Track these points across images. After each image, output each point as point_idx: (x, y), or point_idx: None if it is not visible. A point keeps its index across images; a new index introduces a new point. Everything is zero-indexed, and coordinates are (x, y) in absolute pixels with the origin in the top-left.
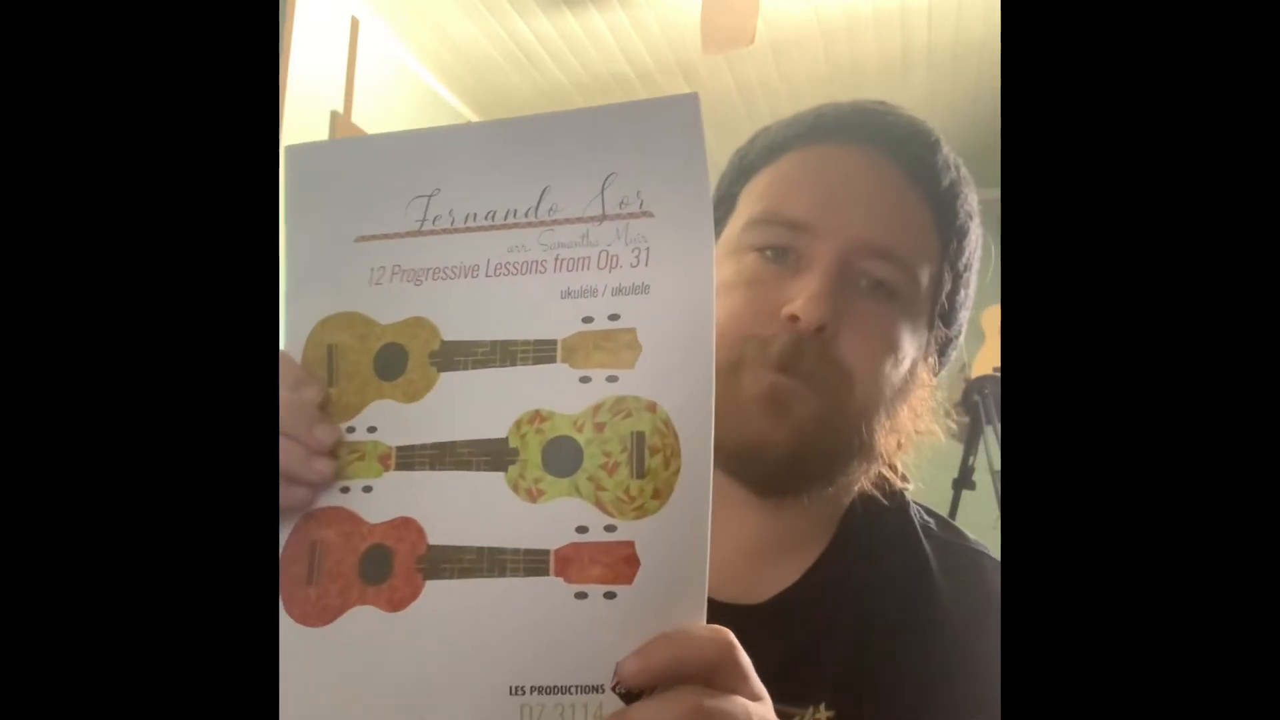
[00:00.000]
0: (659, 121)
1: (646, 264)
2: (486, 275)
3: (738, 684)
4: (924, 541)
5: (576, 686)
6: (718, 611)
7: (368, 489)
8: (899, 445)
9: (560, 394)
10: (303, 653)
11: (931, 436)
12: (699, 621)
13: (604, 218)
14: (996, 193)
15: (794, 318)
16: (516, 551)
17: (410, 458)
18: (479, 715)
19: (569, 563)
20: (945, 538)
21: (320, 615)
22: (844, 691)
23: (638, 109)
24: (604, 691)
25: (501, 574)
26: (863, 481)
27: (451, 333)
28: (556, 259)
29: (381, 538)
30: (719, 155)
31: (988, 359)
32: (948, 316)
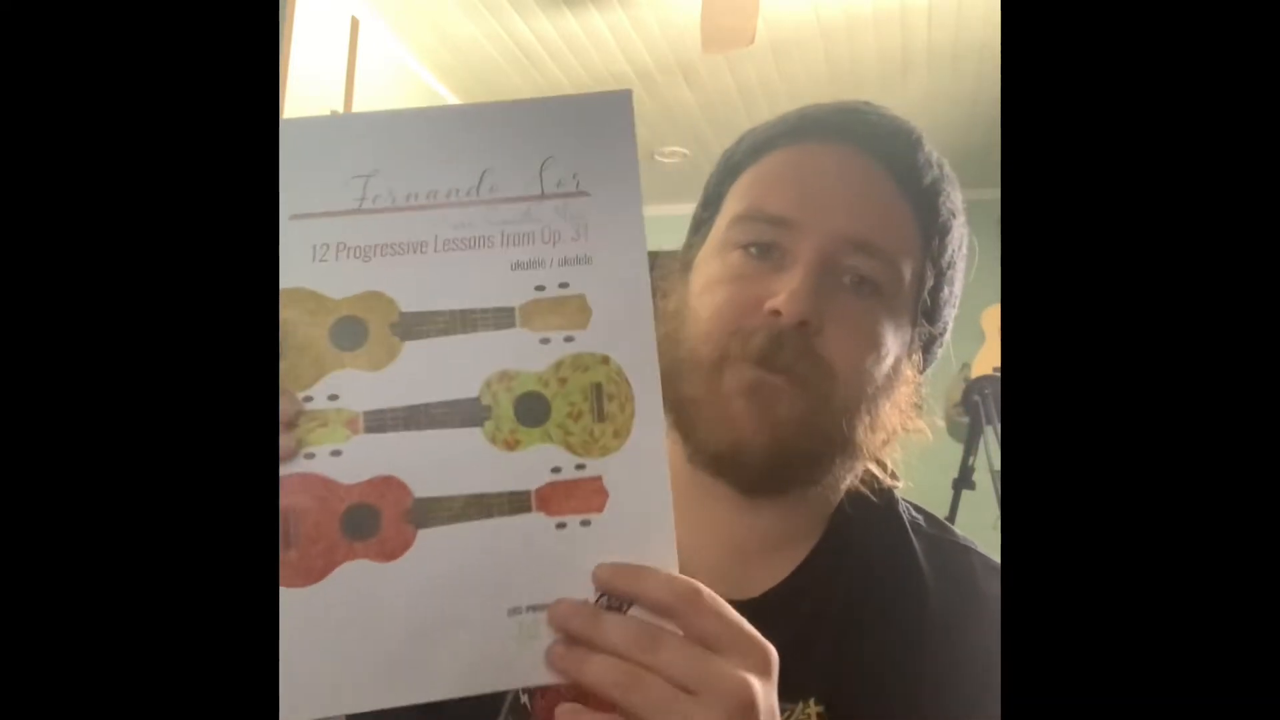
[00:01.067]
0: (594, 113)
1: (586, 238)
2: (436, 250)
3: (701, 632)
4: (913, 538)
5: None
6: None
7: (336, 453)
8: (884, 442)
9: (523, 355)
10: (293, 612)
11: (920, 435)
12: (670, 559)
13: (543, 197)
14: (996, 193)
15: (776, 312)
16: (500, 495)
17: (381, 421)
18: (483, 637)
19: (548, 499)
20: (934, 534)
21: (305, 575)
22: (834, 686)
23: (574, 101)
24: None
25: (489, 516)
26: (850, 480)
27: (409, 305)
28: (503, 234)
29: (361, 497)
30: (720, 154)
31: (988, 359)
32: (931, 313)
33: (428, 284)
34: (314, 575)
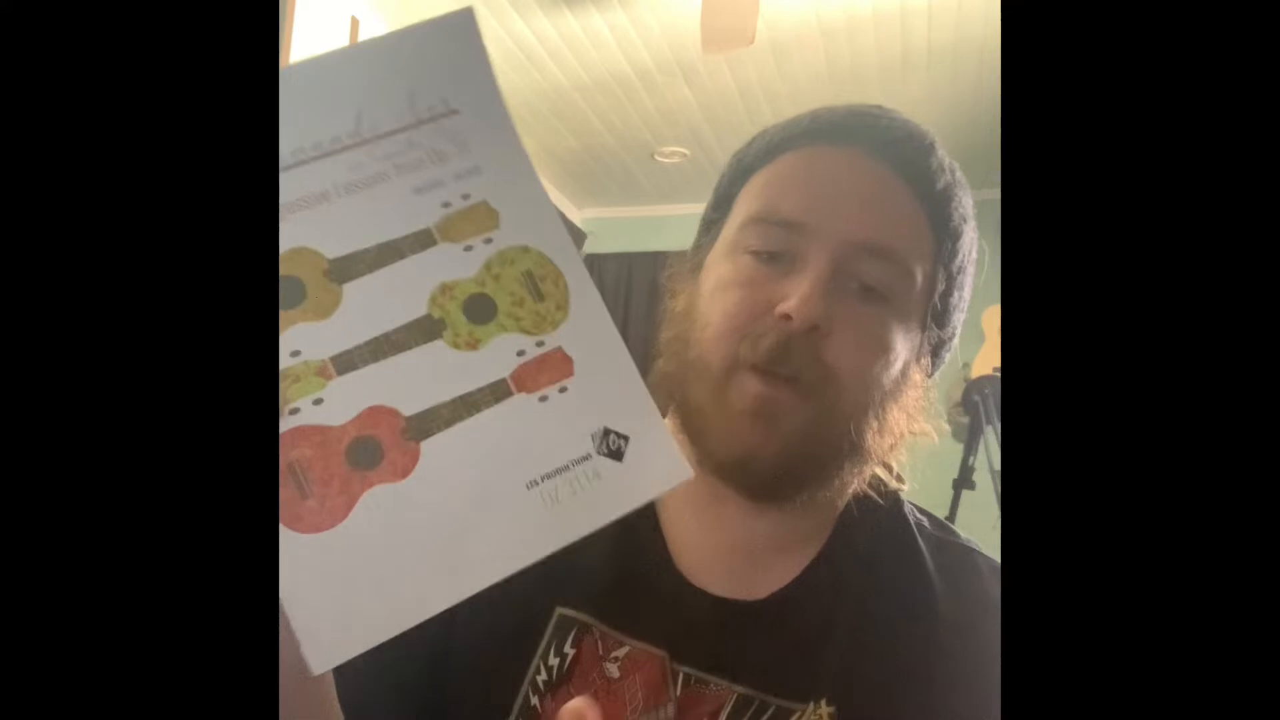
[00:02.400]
0: (443, 37)
1: (470, 151)
2: (339, 196)
3: None
4: (919, 540)
5: (571, 462)
6: (717, 607)
7: (318, 401)
8: (892, 446)
9: (454, 265)
10: (328, 555)
11: (925, 437)
12: (639, 392)
13: (418, 124)
14: (996, 193)
15: (786, 316)
16: (481, 389)
17: (350, 360)
18: (512, 514)
19: (523, 380)
20: (938, 536)
21: (331, 516)
22: (844, 687)
23: (421, 29)
24: (591, 458)
25: (478, 410)
26: (857, 483)
27: (334, 251)
28: (395, 166)
29: (358, 431)
30: (721, 155)
31: (988, 359)
32: (941, 318)
33: (344, 228)
34: (339, 514)
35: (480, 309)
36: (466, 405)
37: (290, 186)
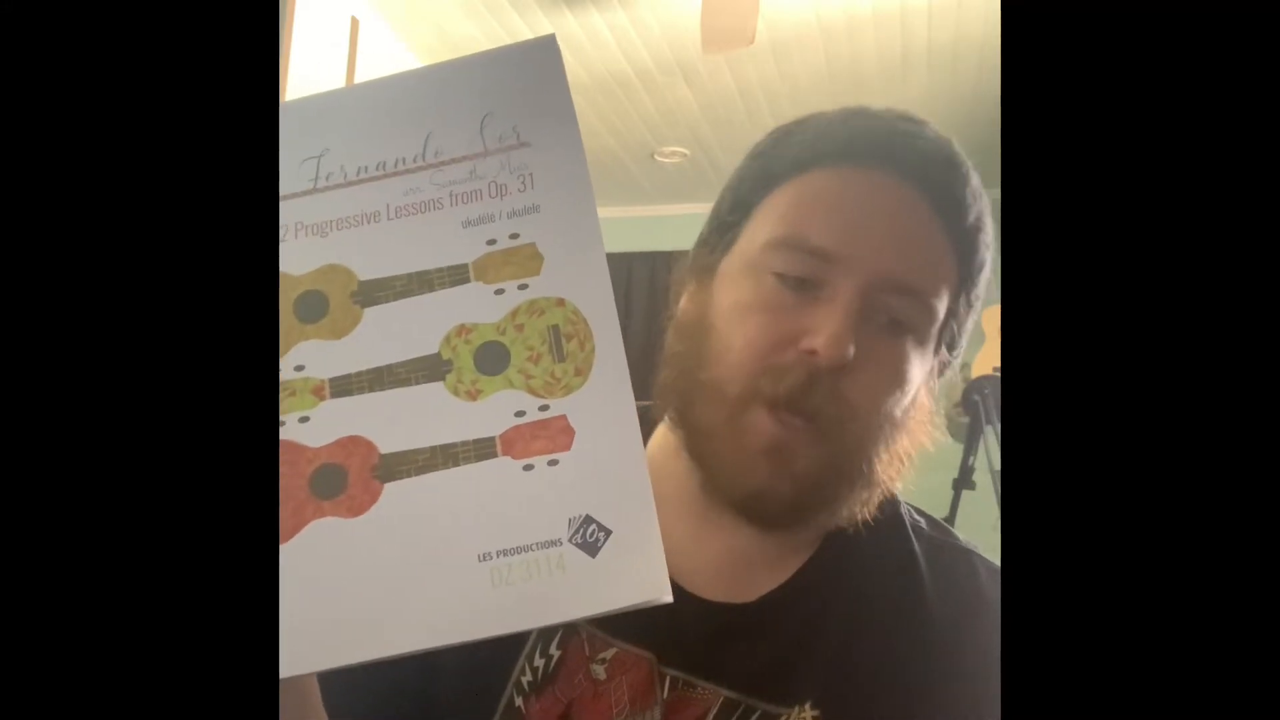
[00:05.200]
0: (524, 63)
1: (533, 188)
2: (389, 219)
3: None
4: (914, 542)
5: (536, 544)
6: (706, 611)
7: (304, 419)
8: (899, 472)
9: (479, 307)
10: None
11: (922, 447)
12: (643, 493)
13: (486, 153)
14: (996, 193)
15: (813, 352)
16: (465, 443)
17: (347, 385)
18: (453, 583)
19: (513, 443)
20: (935, 537)
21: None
22: (830, 691)
23: (503, 55)
24: (561, 544)
25: (455, 464)
26: (864, 510)
27: (367, 273)
28: (451, 195)
29: (329, 458)
30: (721, 155)
31: (988, 359)
32: (953, 342)
33: (383, 251)
34: (283, 536)
35: (492, 358)
36: (446, 456)
37: (344, 203)
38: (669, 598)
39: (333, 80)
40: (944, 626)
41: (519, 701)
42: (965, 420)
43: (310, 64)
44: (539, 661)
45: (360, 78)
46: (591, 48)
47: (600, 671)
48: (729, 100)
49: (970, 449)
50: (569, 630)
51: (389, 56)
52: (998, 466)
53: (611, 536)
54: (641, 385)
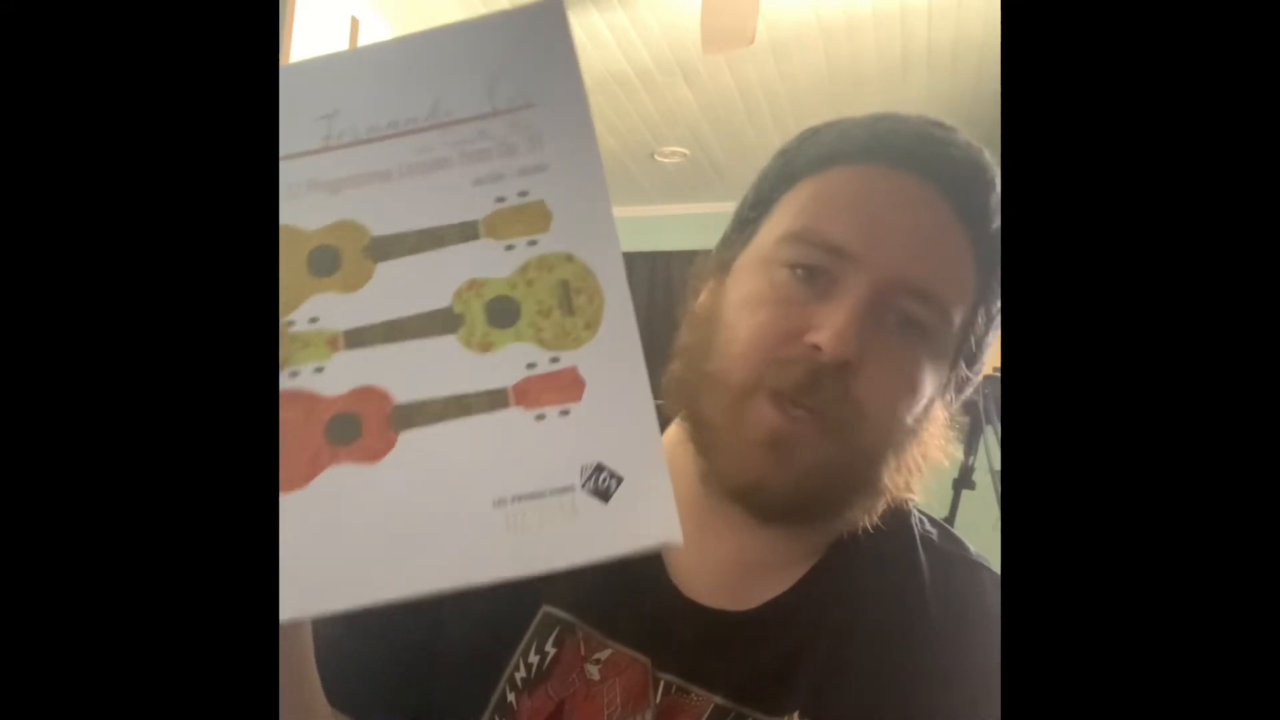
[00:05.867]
0: (531, 26)
1: (540, 147)
2: (399, 177)
3: None
4: (920, 553)
5: (550, 490)
6: (704, 617)
7: (319, 370)
8: (907, 483)
9: (490, 263)
10: (281, 518)
11: (935, 462)
12: (653, 442)
13: (494, 114)
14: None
15: (817, 347)
16: (478, 394)
17: (361, 337)
18: (470, 528)
19: (525, 393)
20: (945, 549)
21: (290, 482)
22: (821, 701)
23: (510, 18)
24: (574, 490)
25: (468, 414)
26: (867, 517)
27: (379, 229)
28: (460, 154)
29: (344, 407)
30: (721, 155)
31: (988, 359)
32: (972, 357)
33: (395, 208)
34: (299, 481)
35: (503, 312)
36: (459, 406)
37: (355, 161)
38: (679, 540)
39: None
40: (943, 640)
41: (511, 697)
42: (965, 420)
43: None
44: (534, 658)
45: None
46: (592, 48)
47: (594, 672)
48: (729, 100)
49: (970, 449)
50: (565, 628)
51: None
52: (998, 466)
53: (623, 483)
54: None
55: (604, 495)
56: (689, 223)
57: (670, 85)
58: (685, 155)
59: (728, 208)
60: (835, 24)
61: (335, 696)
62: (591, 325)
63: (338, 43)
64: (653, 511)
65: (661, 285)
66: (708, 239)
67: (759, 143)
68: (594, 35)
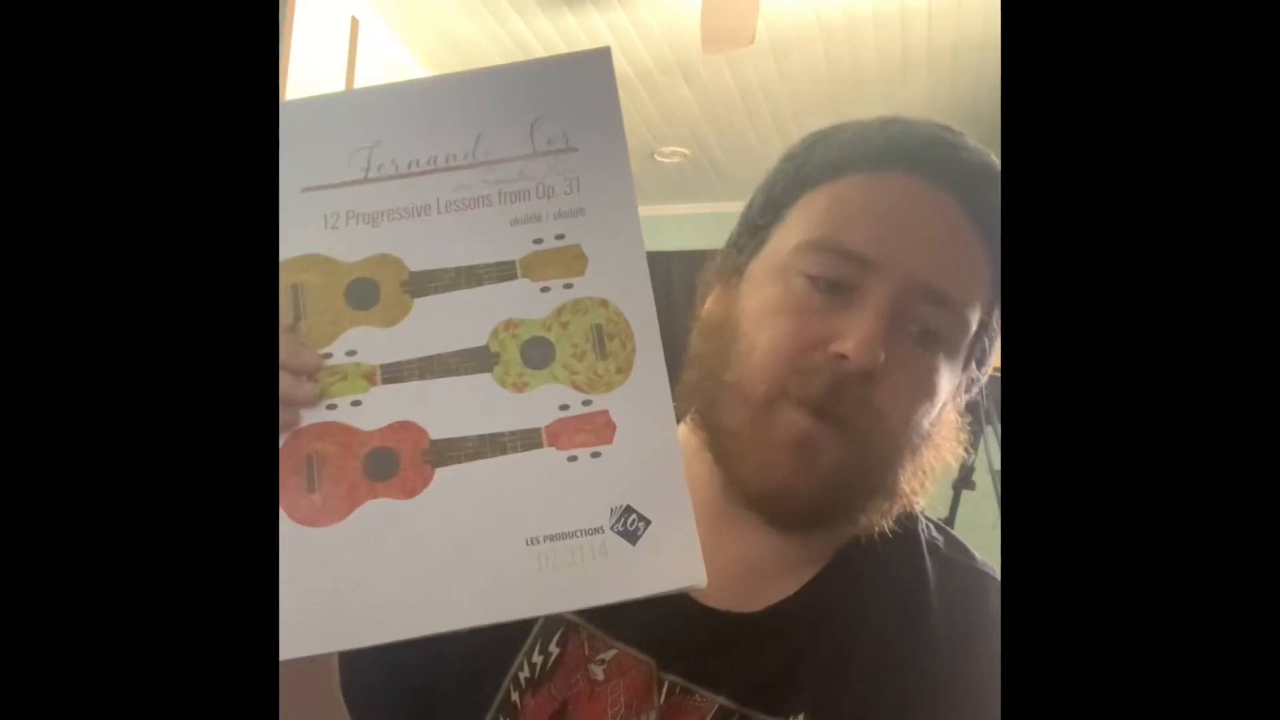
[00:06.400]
0: (577, 72)
1: (579, 191)
2: (439, 212)
3: None
4: (927, 560)
5: (580, 531)
6: (711, 619)
7: (356, 403)
8: (921, 485)
9: (526, 303)
10: (319, 551)
11: (947, 465)
12: (678, 485)
13: (535, 155)
14: None
15: (842, 356)
16: (513, 433)
17: (398, 372)
18: (502, 566)
19: (558, 435)
20: (951, 557)
21: (329, 515)
22: (824, 704)
23: (557, 62)
24: (604, 532)
25: (502, 453)
26: (883, 521)
27: (418, 264)
28: (500, 193)
29: (381, 441)
30: (721, 155)
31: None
32: (983, 358)
33: (433, 244)
34: (337, 515)
35: (538, 353)
36: (493, 445)
37: (395, 194)
38: (704, 583)
39: (332, 81)
40: (947, 646)
41: (515, 696)
42: (965, 420)
43: (310, 64)
44: (538, 658)
45: (360, 78)
46: (592, 48)
47: (599, 672)
48: (729, 100)
49: (970, 449)
50: (570, 629)
51: (389, 57)
52: (998, 466)
53: (650, 526)
54: None
55: (632, 538)
56: (689, 223)
57: (670, 85)
58: (685, 155)
59: (728, 208)
60: (835, 24)
61: (342, 692)
62: (623, 370)
63: (338, 43)
64: (678, 554)
65: (661, 285)
66: (708, 239)
67: (759, 143)
68: (594, 35)
